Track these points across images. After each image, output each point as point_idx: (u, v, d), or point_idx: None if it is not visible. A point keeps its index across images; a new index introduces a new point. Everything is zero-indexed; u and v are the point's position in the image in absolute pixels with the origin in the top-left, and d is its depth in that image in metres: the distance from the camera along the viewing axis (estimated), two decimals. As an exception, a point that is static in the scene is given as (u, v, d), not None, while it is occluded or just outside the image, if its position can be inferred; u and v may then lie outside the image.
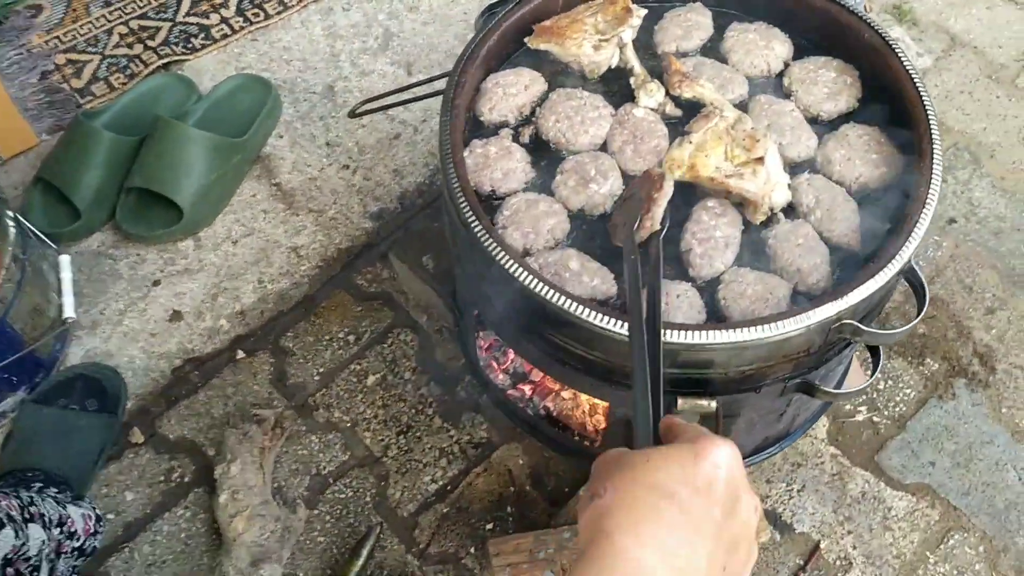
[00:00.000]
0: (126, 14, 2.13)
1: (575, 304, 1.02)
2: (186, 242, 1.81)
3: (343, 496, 1.57)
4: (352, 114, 1.47)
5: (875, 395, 1.65)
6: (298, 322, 1.76)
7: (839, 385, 1.38)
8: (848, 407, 1.64)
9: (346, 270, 1.82)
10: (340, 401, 1.67)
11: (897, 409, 1.64)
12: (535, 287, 1.04)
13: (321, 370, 1.70)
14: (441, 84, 1.34)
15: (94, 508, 1.46)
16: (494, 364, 1.46)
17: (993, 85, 2.06)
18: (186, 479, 1.59)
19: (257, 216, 1.85)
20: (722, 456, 0.67)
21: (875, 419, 1.63)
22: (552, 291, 1.03)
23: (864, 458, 1.59)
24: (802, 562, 1.49)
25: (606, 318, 1.02)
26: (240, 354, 1.72)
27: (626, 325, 1.00)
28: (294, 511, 1.53)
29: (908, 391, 1.66)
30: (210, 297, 1.75)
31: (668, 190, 1.12)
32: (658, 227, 1.09)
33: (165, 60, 2.04)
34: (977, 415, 1.63)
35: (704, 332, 1.00)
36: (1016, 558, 1.49)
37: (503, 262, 1.06)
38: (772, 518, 1.52)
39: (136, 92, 1.94)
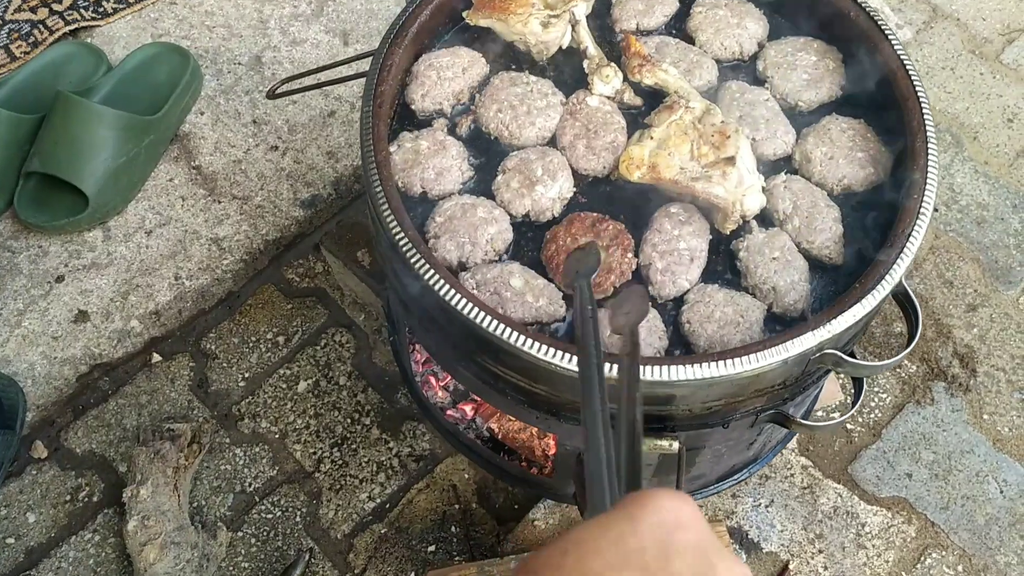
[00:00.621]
0: (30, -27, 1.91)
1: (514, 333, 0.88)
2: (93, 233, 1.63)
3: (270, 516, 1.44)
4: (271, 95, 1.30)
5: (847, 401, 1.53)
6: (221, 322, 1.60)
7: (812, 405, 1.25)
8: (820, 412, 1.52)
9: (274, 264, 1.66)
10: (268, 410, 1.53)
11: (872, 416, 1.53)
12: (469, 312, 0.89)
13: (247, 375, 1.55)
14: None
15: (-20, 543, 1.30)
16: (432, 380, 1.31)
17: (977, 61, 1.92)
18: (95, 498, 1.44)
19: (174, 203, 1.67)
20: (668, 512, 0.49)
21: (848, 426, 1.52)
22: (488, 318, 0.88)
23: (836, 469, 1.48)
24: (770, 586, 1.38)
25: (550, 350, 0.87)
26: (156, 358, 1.56)
27: (574, 358, 0.86)
28: (214, 536, 1.39)
29: (884, 396, 1.54)
30: (120, 295, 1.57)
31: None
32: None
33: (73, 26, 1.84)
34: (957, 422, 1.52)
35: (664, 367, 0.86)
36: (997, 578, 1.39)
37: (431, 282, 0.90)
38: (738, 536, 1.41)
39: (38, 63, 1.73)
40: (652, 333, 0.95)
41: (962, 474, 1.48)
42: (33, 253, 1.61)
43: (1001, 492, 1.47)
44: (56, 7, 1.85)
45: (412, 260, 0.92)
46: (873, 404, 1.53)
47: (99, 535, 1.41)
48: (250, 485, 1.46)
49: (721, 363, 0.86)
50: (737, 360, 0.86)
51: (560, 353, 0.87)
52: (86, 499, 1.44)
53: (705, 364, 0.86)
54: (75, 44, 1.79)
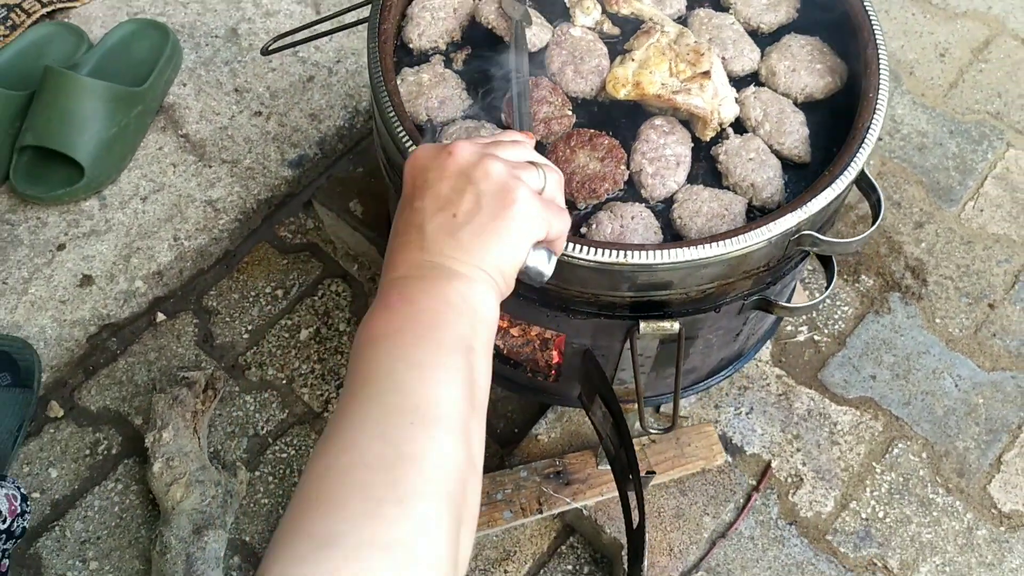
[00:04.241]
0: (0, -40, 1.95)
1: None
2: (89, 202, 1.69)
3: (285, 455, 1.51)
4: (265, 51, 1.37)
5: (814, 315, 1.66)
6: (220, 279, 1.67)
7: (791, 299, 1.37)
8: (789, 328, 1.65)
9: (267, 222, 1.73)
10: (273, 358, 1.60)
11: (836, 327, 1.66)
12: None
13: (249, 328, 1.62)
14: (355, 17, 1.27)
15: (18, 487, 1.36)
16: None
17: (908, 2, 2.07)
18: (113, 451, 1.50)
19: (166, 170, 1.73)
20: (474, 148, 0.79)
21: (816, 338, 1.64)
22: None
23: (808, 376, 1.60)
24: (755, 482, 1.50)
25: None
26: (160, 317, 1.62)
27: (586, 250, 0.96)
28: (234, 474, 1.46)
29: (846, 308, 1.67)
30: (122, 258, 1.63)
31: None
32: None
33: (49, 8, 1.88)
34: (912, 327, 1.66)
35: (665, 251, 0.97)
36: (957, 461, 1.53)
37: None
38: (723, 442, 1.52)
39: (20, 44, 1.78)
40: (648, 229, 1.06)
41: (920, 372, 1.61)
42: (32, 224, 1.66)
43: (956, 386, 1.60)
44: (31, -10, 1.90)
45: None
46: (837, 316, 1.66)
47: (121, 484, 1.47)
48: (262, 428, 1.53)
49: (714, 244, 0.97)
50: (728, 241, 0.97)
51: (571, 245, 0.97)
52: (105, 452, 1.50)
53: (701, 246, 0.97)
54: (55, 24, 1.84)
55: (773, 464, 1.51)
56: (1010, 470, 1.52)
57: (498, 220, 0.74)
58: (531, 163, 0.80)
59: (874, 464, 1.52)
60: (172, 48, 1.79)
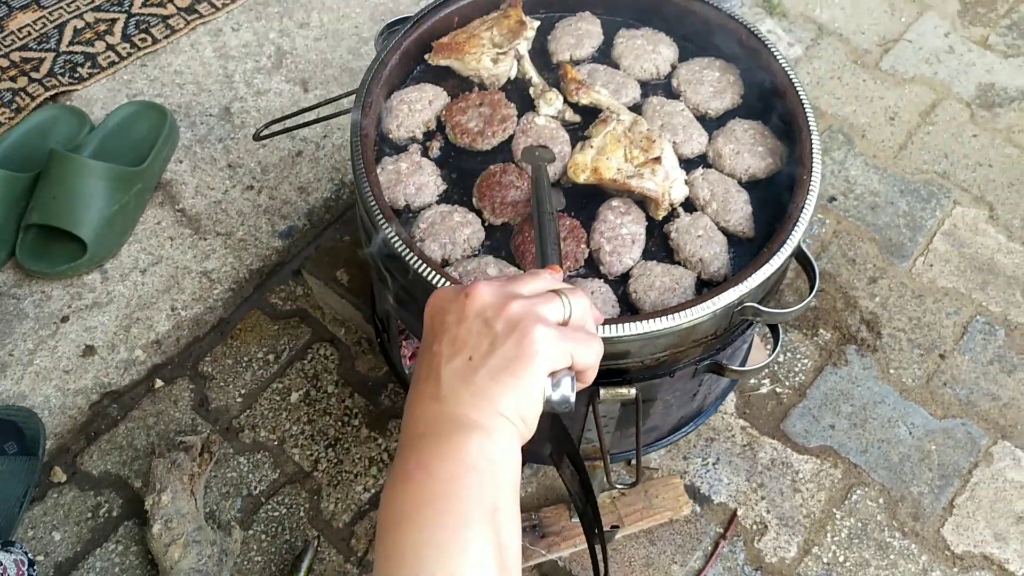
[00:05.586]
0: (5, 47, 2.07)
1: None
2: (92, 275, 1.79)
3: (277, 514, 1.59)
4: (257, 137, 1.48)
5: (776, 368, 1.76)
6: (215, 346, 1.76)
7: (744, 362, 1.47)
8: (752, 381, 1.74)
9: (259, 290, 1.83)
10: (265, 420, 1.68)
11: (797, 379, 1.75)
12: (458, 296, 1.08)
13: (243, 391, 1.71)
14: (344, 101, 1.39)
15: (26, 552, 1.44)
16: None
17: (859, 70, 2.21)
18: (114, 513, 1.58)
19: (164, 243, 1.84)
20: (484, 291, 0.78)
21: (778, 390, 1.74)
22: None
23: (771, 427, 1.69)
24: (722, 530, 1.58)
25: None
26: (159, 383, 1.71)
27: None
28: (229, 534, 1.54)
29: (805, 361, 1.77)
30: (123, 329, 1.73)
31: None
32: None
33: (52, 92, 2.00)
34: (868, 378, 1.75)
35: (619, 325, 1.07)
36: (912, 505, 1.61)
37: (425, 275, 1.10)
38: (691, 492, 1.60)
39: (25, 127, 1.89)
40: (606, 303, 1.16)
41: (876, 421, 1.70)
42: (37, 298, 1.76)
43: (910, 434, 1.69)
44: (34, 75, 2.02)
45: (409, 260, 1.11)
46: (797, 369, 1.76)
47: (122, 545, 1.55)
48: (255, 488, 1.61)
49: (664, 318, 1.07)
50: (677, 314, 1.08)
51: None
52: (106, 515, 1.58)
53: (652, 320, 1.07)
54: (58, 107, 1.95)
55: (739, 512, 1.60)
56: (962, 513, 1.61)
57: (515, 361, 0.72)
58: (554, 292, 0.79)
59: (834, 510, 1.61)
60: (170, 128, 1.91)
